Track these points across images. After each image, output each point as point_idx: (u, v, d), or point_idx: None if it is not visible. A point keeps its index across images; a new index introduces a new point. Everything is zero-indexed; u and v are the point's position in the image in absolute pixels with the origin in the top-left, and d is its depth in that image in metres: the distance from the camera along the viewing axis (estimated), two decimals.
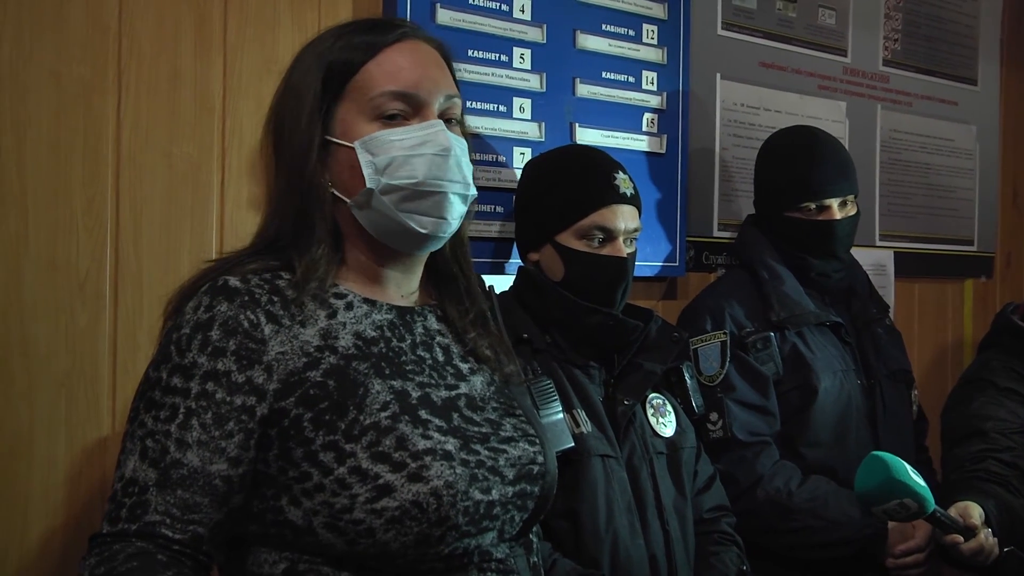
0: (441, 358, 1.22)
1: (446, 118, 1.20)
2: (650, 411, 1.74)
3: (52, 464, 1.50)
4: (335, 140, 1.17)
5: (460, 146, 1.19)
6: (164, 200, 1.60)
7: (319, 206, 1.16)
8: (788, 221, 2.06)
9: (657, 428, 1.73)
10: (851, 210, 2.07)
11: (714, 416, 1.89)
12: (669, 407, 1.78)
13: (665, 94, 2.22)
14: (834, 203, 2.03)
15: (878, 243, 2.76)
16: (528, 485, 1.16)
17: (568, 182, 1.73)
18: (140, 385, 1.10)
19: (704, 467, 1.81)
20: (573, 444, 1.52)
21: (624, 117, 2.16)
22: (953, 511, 1.72)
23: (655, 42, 2.21)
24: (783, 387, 1.98)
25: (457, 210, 1.20)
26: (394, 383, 1.13)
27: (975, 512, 1.74)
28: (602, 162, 1.76)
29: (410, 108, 1.18)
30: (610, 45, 2.13)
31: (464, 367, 1.24)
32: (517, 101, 1.99)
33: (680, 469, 1.73)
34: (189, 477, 1.04)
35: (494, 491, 1.12)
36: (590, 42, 2.10)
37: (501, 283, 1.73)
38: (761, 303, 2.02)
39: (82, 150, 1.52)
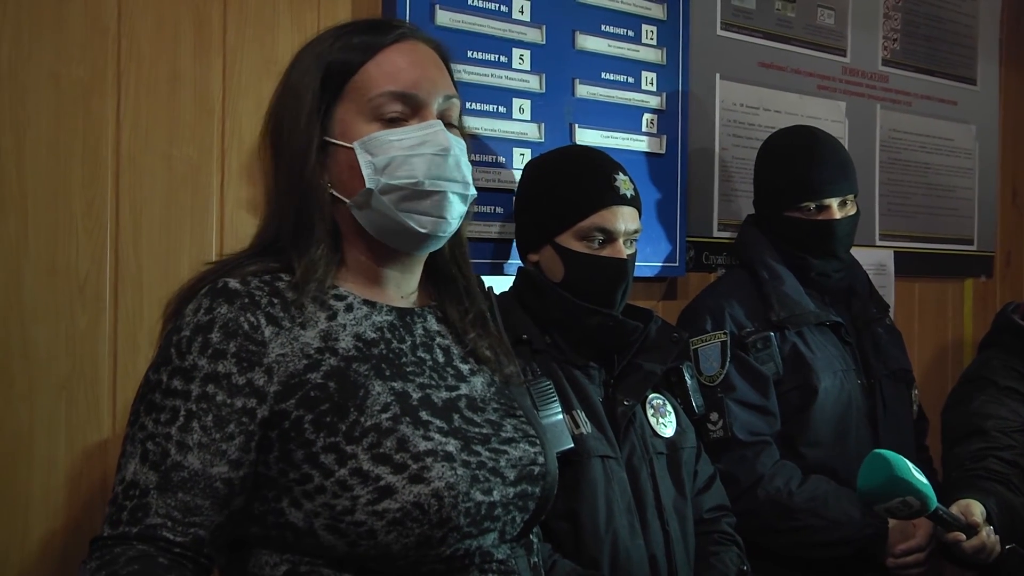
0: (441, 359, 1.22)
1: (445, 119, 1.20)
2: (650, 411, 1.74)
3: (52, 466, 1.50)
4: (334, 141, 1.17)
5: (459, 146, 1.20)
6: (164, 202, 1.60)
7: (318, 207, 1.16)
8: (788, 221, 2.06)
9: (657, 428, 1.73)
10: (851, 210, 2.07)
11: (714, 416, 1.89)
12: (669, 407, 1.78)
13: (664, 94, 2.22)
14: (834, 203, 2.03)
15: (878, 243, 2.76)
16: (529, 486, 1.16)
17: (568, 183, 1.72)
18: (140, 388, 1.10)
19: (704, 467, 1.81)
20: (573, 445, 1.53)
21: (624, 118, 2.16)
22: (955, 509, 1.72)
23: (654, 43, 2.21)
24: (783, 387, 1.98)
25: (457, 210, 1.20)
26: (395, 384, 1.13)
27: (977, 510, 1.74)
28: (602, 163, 1.76)
29: (409, 108, 1.18)
30: (609, 46, 2.13)
31: (464, 368, 1.24)
32: (517, 102, 1.99)
33: (680, 469, 1.73)
34: (190, 480, 1.04)
35: (495, 492, 1.12)
36: (589, 43, 2.10)
37: (501, 284, 1.73)
38: (761, 303, 2.02)
39: (81, 152, 1.52)
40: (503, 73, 1.97)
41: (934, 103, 2.91)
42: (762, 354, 1.97)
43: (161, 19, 1.59)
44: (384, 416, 1.09)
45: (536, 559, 1.23)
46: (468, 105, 1.88)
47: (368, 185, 1.15)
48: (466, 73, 1.90)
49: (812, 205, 2.03)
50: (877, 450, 1.63)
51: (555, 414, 1.49)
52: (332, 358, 1.11)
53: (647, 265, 2.19)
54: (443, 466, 1.07)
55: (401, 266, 1.23)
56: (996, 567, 1.79)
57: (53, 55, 1.50)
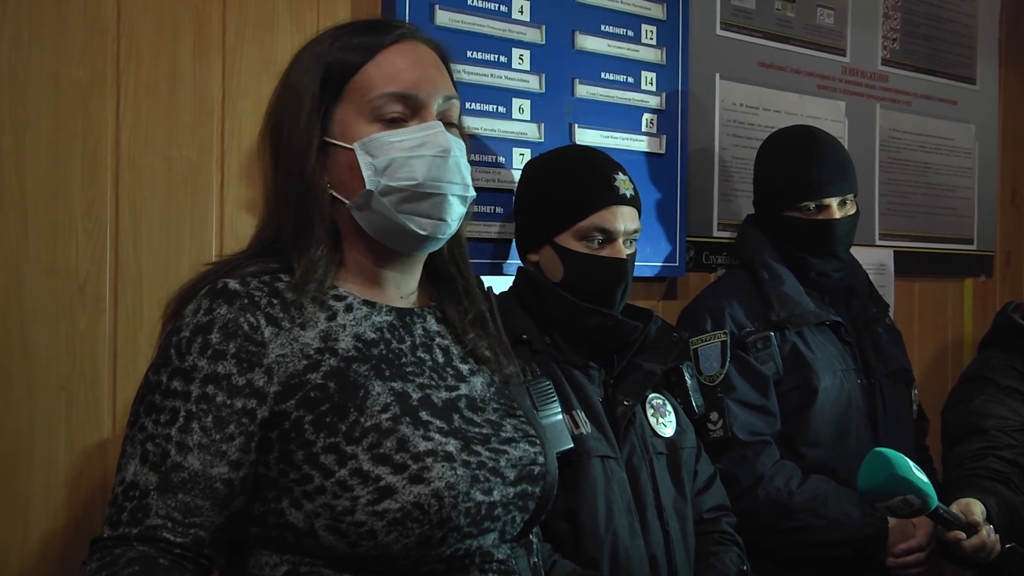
0: (441, 359, 1.22)
1: (444, 119, 1.20)
2: (650, 411, 1.74)
3: (52, 467, 1.50)
4: (334, 141, 1.17)
5: (459, 147, 1.20)
6: (164, 202, 1.60)
7: (318, 207, 1.16)
8: (787, 221, 2.06)
9: (657, 428, 1.73)
10: (850, 209, 2.07)
11: (714, 416, 1.89)
12: (669, 407, 1.78)
13: (664, 94, 2.22)
14: (833, 202, 2.03)
15: (878, 242, 2.76)
16: (529, 486, 1.16)
17: (567, 183, 1.72)
18: (140, 389, 1.10)
19: (704, 467, 1.81)
20: (572, 445, 1.53)
21: (623, 118, 2.16)
22: (955, 508, 1.73)
23: (654, 42, 2.21)
24: (783, 387, 1.98)
25: (456, 211, 1.20)
26: (394, 385, 1.13)
27: (977, 509, 1.75)
28: (602, 163, 1.76)
29: (409, 109, 1.18)
30: (609, 46, 2.13)
31: (464, 368, 1.24)
32: (516, 102, 1.99)
33: (680, 469, 1.73)
34: (190, 480, 1.04)
35: (495, 492, 1.12)
36: (589, 43, 2.10)
37: (500, 284, 1.73)
38: (761, 303, 2.02)
39: (81, 153, 1.52)
40: (503, 73, 1.97)
41: (934, 103, 2.91)
42: (762, 354, 1.97)
43: (160, 19, 1.59)
44: (384, 416, 1.09)
45: (536, 559, 1.23)
46: (468, 105, 1.88)
47: (368, 187, 1.15)
48: (466, 73, 1.90)
49: (812, 205, 2.03)
50: (878, 448, 1.63)
51: (555, 414, 1.49)
52: (332, 358, 1.11)
53: (647, 265, 2.19)
54: (443, 466, 1.07)
55: (401, 267, 1.23)
56: (996, 566, 1.79)
57: (53, 55, 1.50)
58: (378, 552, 1.06)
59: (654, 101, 2.21)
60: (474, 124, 1.91)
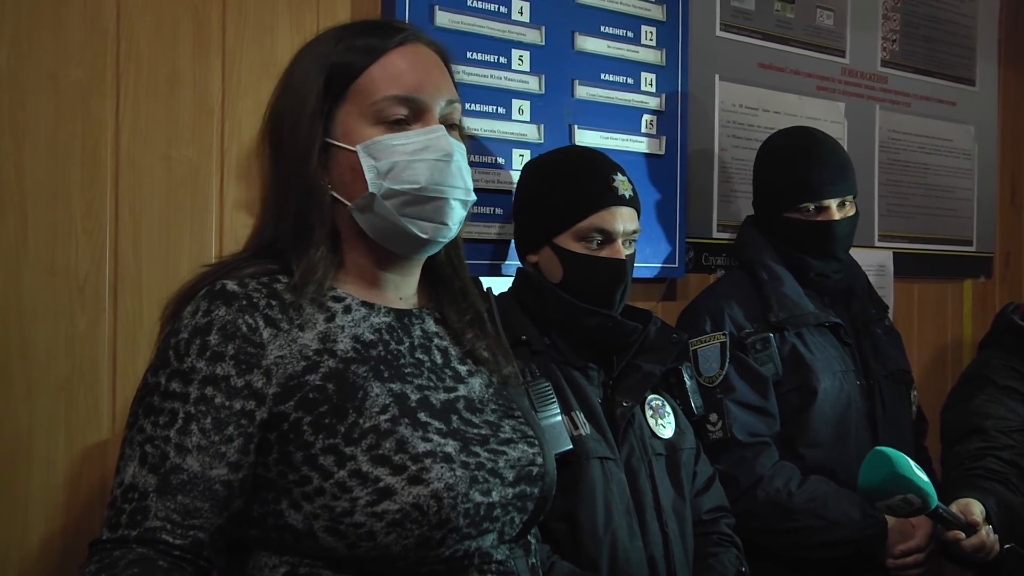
0: (439, 360, 1.22)
1: (446, 123, 1.20)
2: (649, 412, 1.74)
3: (52, 467, 1.50)
4: (336, 143, 1.16)
5: (460, 151, 1.20)
6: (163, 203, 1.60)
7: (319, 208, 1.16)
8: (787, 222, 2.06)
9: (656, 429, 1.73)
10: (850, 210, 2.07)
11: (713, 417, 1.89)
12: (668, 408, 1.78)
13: (664, 95, 2.22)
14: (833, 203, 2.03)
15: (877, 244, 2.76)
16: (528, 486, 1.16)
17: (567, 184, 1.73)
18: (138, 390, 1.10)
19: (703, 468, 1.81)
20: (571, 446, 1.53)
21: (623, 119, 2.16)
22: (954, 507, 1.73)
23: (654, 43, 2.21)
24: (782, 388, 1.98)
25: (457, 215, 1.20)
26: (393, 386, 1.13)
27: (976, 509, 1.75)
28: (601, 164, 1.76)
29: (412, 112, 1.17)
30: (609, 47, 2.13)
31: (462, 369, 1.24)
32: (516, 103, 1.99)
33: (679, 470, 1.73)
34: (189, 482, 1.04)
35: (494, 493, 1.12)
36: (589, 44, 2.10)
37: (499, 285, 1.73)
38: (760, 304, 2.02)
39: (81, 153, 1.52)
40: (502, 74, 1.97)
41: (933, 104, 2.91)
42: (761, 355, 1.97)
43: (160, 20, 1.59)
44: (383, 417, 1.09)
45: (534, 560, 1.23)
46: (467, 106, 1.88)
47: (371, 189, 1.15)
48: (465, 74, 1.90)
49: (811, 206, 2.03)
50: (878, 447, 1.63)
51: (554, 415, 1.49)
52: (330, 360, 1.11)
53: (646, 266, 2.19)
54: (442, 467, 1.07)
55: (400, 269, 1.23)
56: (995, 566, 1.80)
57: (52, 56, 1.50)
58: (377, 553, 1.06)
59: (654, 102, 2.21)
60: (474, 125, 1.91)
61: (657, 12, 2.22)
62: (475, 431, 1.16)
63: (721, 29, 2.40)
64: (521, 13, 2.00)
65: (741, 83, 2.44)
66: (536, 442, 1.21)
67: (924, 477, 1.60)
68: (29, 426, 1.48)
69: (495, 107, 1.96)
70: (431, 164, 1.16)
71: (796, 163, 2.04)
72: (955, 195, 2.98)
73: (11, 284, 1.47)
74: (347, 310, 1.16)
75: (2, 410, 1.46)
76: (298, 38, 1.65)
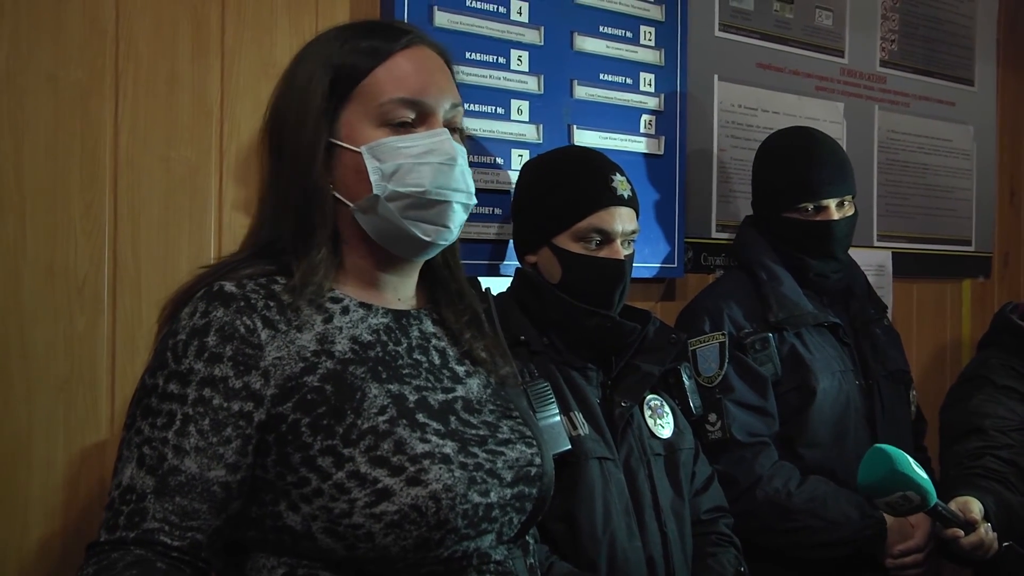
0: (437, 361, 1.22)
1: (450, 126, 1.20)
2: (648, 413, 1.74)
3: (51, 468, 1.51)
4: (341, 143, 1.16)
5: (463, 155, 1.20)
6: (162, 204, 1.60)
7: (322, 209, 1.16)
8: (786, 222, 2.06)
9: (655, 430, 1.73)
10: (849, 210, 2.07)
11: (713, 417, 1.89)
12: (667, 408, 1.78)
13: (663, 96, 2.22)
14: (832, 203, 2.03)
15: (876, 244, 2.76)
16: (526, 487, 1.17)
17: (565, 184, 1.73)
18: (136, 392, 1.10)
19: (702, 468, 1.81)
20: (570, 447, 1.53)
21: (622, 119, 2.16)
22: (953, 506, 1.73)
23: (652, 44, 2.21)
24: (782, 388, 1.98)
25: (459, 218, 1.20)
26: (391, 387, 1.13)
27: (975, 507, 1.75)
28: (599, 164, 1.76)
29: (416, 115, 1.18)
30: (608, 47, 2.13)
31: (460, 370, 1.24)
32: (515, 103, 1.99)
33: (678, 470, 1.73)
34: (187, 484, 1.04)
35: (492, 493, 1.12)
36: (588, 44, 2.10)
37: (498, 285, 1.73)
38: (759, 304, 2.02)
39: (80, 154, 1.52)
40: (501, 74, 1.97)
41: (932, 104, 2.92)
42: (760, 355, 1.97)
43: (159, 21, 1.59)
44: (381, 419, 1.09)
45: (533, 560, 1.23)
46: (466, 106, 1.88)
47: (375, 191, 1.15)
48: (464, 74, 1.90)
49: (810, 206, 2.03)
50: (878, 445, 1.63)
51: (552, 416, 1.49)
52: (328, 361, 1.11)
53: (645, 266, 2.19)
54: (440, 468, 1.07)
55: (399, 271, 1.23)
56: (993, 564, 1.80)
57: (51, 57, 1.50)
58: (376, 554, 1.06)
59: (653, 102, 2.21)
60: (472, 125, 1.91)
61: (656, 12, 2.22)
62: (473, 432, 1.16)
63: (720, 29, 2.41)
64: (520, 13, 2.00)
65: (740, 83, 2.44)
66: (534, 442, 1.21)
67: (923, 475, 1.60)
68: (28, 426, 1.48)
69: (494, 107, 1.96)
70: (435, 167, 1.16)
71: (795, 163, 2.04)
72: (954, 195, 2.98)
73: (10, 284, 1.47)
74: (345, 311, 1.16)
75: (1, 410, 1.46)
76: (297, 39, 1.65)
